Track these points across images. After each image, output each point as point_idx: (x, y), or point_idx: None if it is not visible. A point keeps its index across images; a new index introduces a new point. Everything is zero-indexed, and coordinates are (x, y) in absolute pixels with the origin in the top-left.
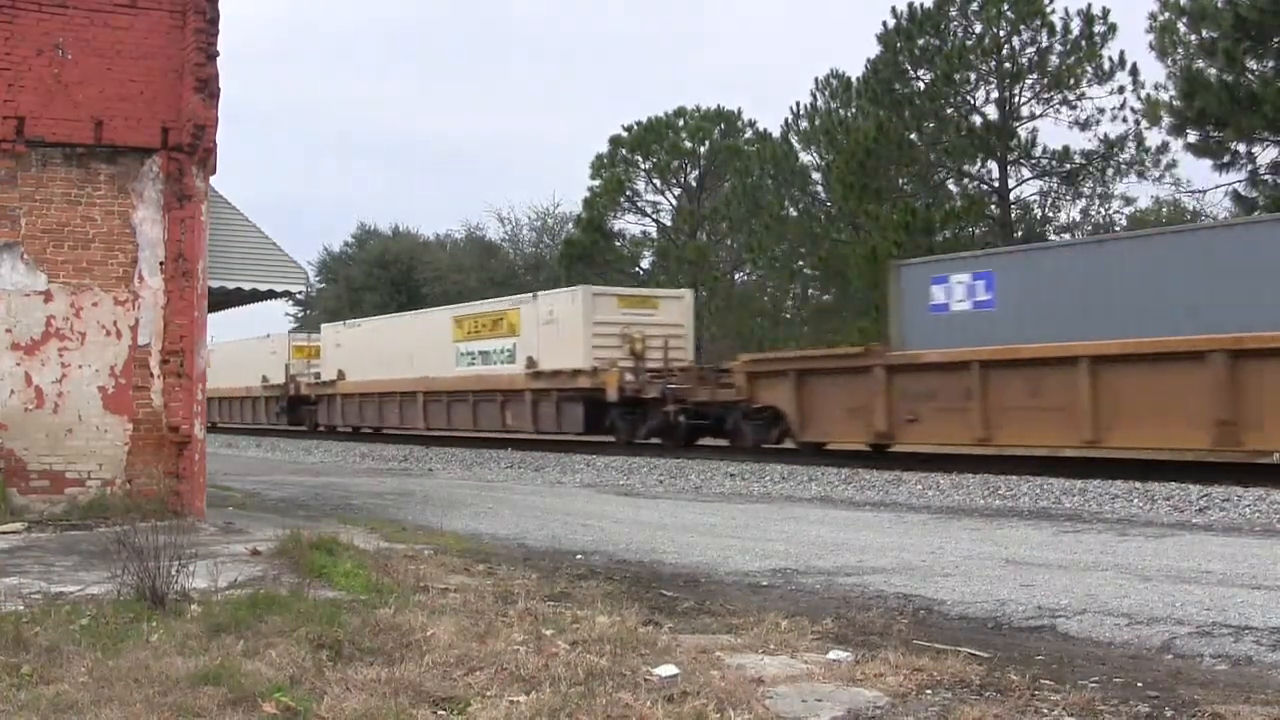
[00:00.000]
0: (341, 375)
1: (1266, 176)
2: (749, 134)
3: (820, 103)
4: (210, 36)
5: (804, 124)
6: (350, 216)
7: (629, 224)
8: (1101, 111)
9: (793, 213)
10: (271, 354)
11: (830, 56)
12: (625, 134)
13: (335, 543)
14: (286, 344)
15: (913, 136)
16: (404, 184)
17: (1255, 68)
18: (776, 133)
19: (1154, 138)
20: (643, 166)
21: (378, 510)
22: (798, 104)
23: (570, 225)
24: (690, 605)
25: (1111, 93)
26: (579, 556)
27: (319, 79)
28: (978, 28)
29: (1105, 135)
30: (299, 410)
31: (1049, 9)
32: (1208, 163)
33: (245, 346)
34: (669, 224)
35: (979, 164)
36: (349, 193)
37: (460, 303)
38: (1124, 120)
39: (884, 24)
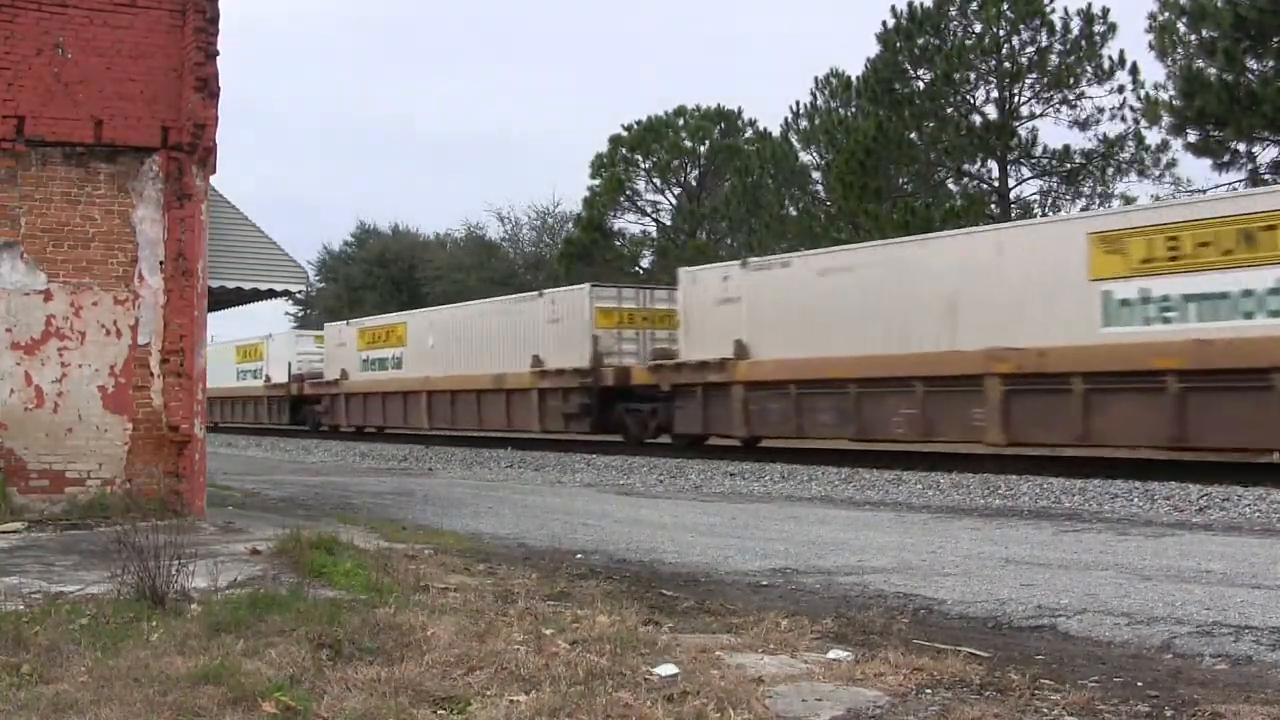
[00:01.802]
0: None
1: (1266, 176)
2: (749, 134)
3: (820, 102)
4: (210, 36)
5: (804, 123)
6: (349, 215)
7: (629, 223)
8: (1101, 111)
9: (793, 212)
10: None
11: (830, 56)
12: (625, 133)
13: (335, 542)
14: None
15: (913, 136)
16: (404, 183)
17: (1255, 67)
18: (776, 132)
19: (1154, 137)
20: (643, 166)
21: (378, 510)
22: (798, 103)
23: (570, 224)
24: (690, 605)
25: (1111, 92)
26: (579, 556)
27: (319, 76)
28: (977, 27)
29: (1105, 135)
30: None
31: (1049, 9)
32: (1207, 162)
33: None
34: (669, 223)
35: (979, 163)
36: (349, 192)
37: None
38: (1124, 120)
39: (884, 24)
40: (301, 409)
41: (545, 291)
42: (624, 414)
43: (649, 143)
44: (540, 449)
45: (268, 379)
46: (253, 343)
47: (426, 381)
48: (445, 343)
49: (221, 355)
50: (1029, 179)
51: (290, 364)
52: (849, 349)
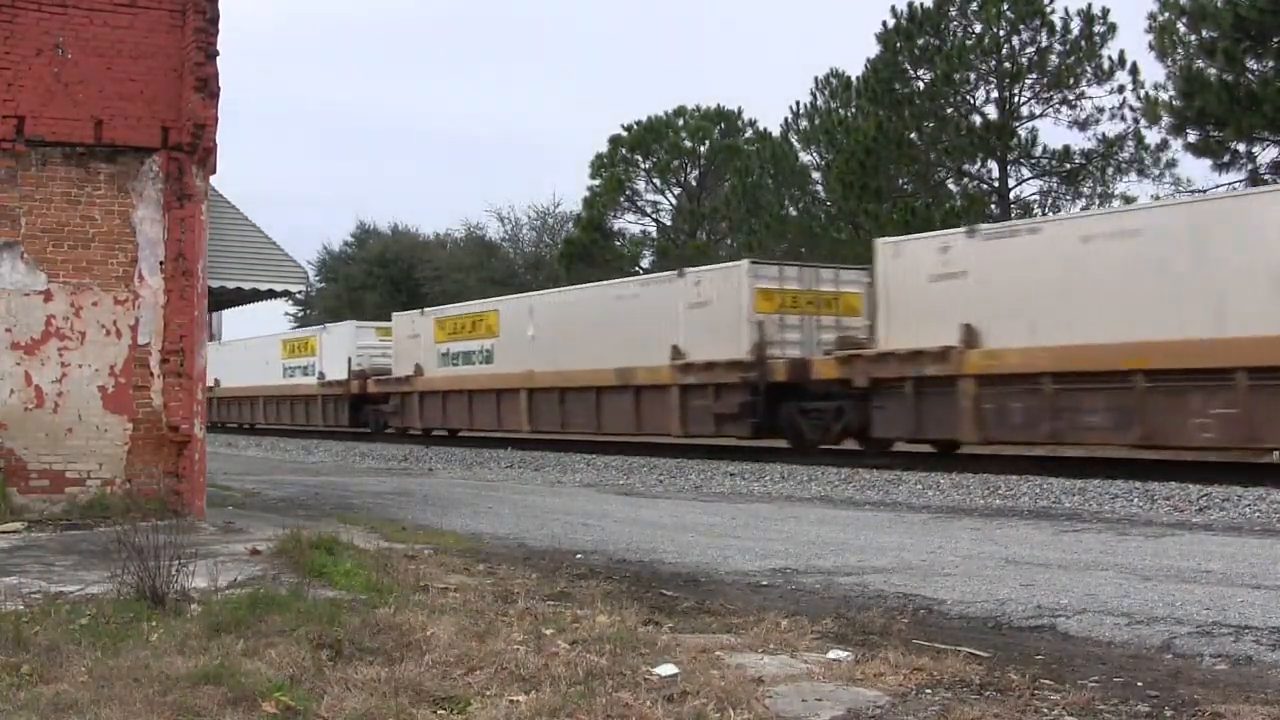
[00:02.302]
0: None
1: (1266, 176)
2: (749, 134)
3: (820, 102)
4: (210, 36)
5: (804, 123)
6: (349, 215)
7: (629, 223)
8: (1101, 111)
9: (793, 212)
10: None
11: (830, 56)
12: (625, 134)
13: (335, 542)
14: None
15: (913, 136)
16: (404, 183)
17: (1255, 68)
18: (776, 132)
19: (1153, 137)
20: (643, 166)
21: (378, 510)
22: (798, 104)
23: (570, 224)
24: (690, 605)
25: (1111, 92)
26: (579, 556)
27: (319, 76)
28: (977, 28)
29: (1105, 135)
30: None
31: (1049, 9)
32: (1207, 162)
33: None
34: (669, 223)
35: (979, 163)
36: (349, 192)
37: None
38: (1124, 120)
39: (884, 24)
40: (362, 409)
41: (687, 271)
42: (796, 415)
43: (649, 143)
44: (541, 449)
45: (322, 376)
46: (303, 336)
47: (527, 377)
48: (550, 332)
49: (265, 351)
50: (1029, 179)
51: (350, 359)
52: (1130, 333)
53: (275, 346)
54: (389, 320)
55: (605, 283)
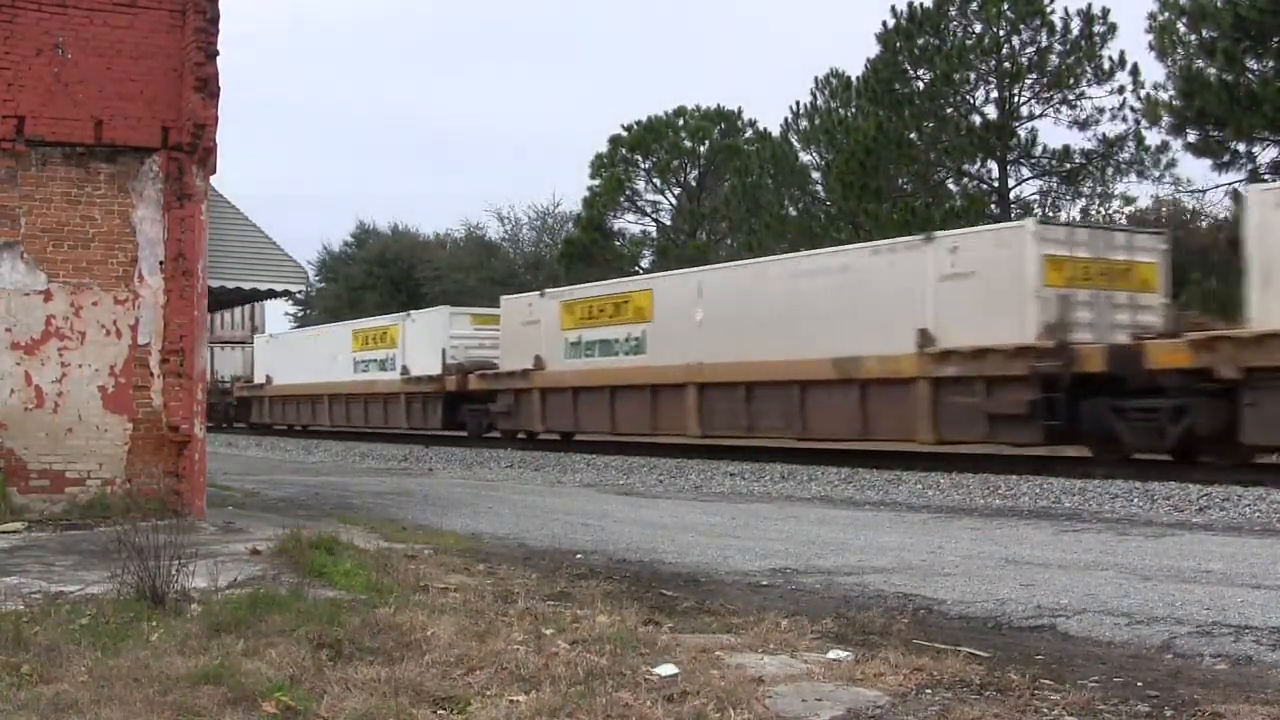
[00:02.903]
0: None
1: (1266, 176)
2: (749, 134)
3: (820, 102)
4: (210, 36)
5: (804, 124)
6: (349, 215)
7: (629, 223)
8: (1101, 111)
9: (793, 212)
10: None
11: (830, 56)
12: (625, 134)
13: (335, 542)
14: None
15: (913, 136)
16: (404, 183)
17: (1255, 68)
18: (776, 132)
19: (1154, 137)
20: (643, 166)
21: (378, 510)
22: (798, 104)
23: (570, 224)
24: (690, 605)
25: (1111, 92)
26: (579, 556)
27: (318, 75)
28: (977, 28)
29: (1105, 135)
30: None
31: (1049, 9)
32: (1208, 162)
33: None
34: (669, 223)
35: (979, 163)
36: (349, 192)
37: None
38: (1124, 120)
39: (884, 24)
40: (459, 409)
41: (936, 235)
42: (1110, 415)
43: (649, 143)
44: (540, 449)
45: (405, 371)
46: (381, 326)
47: (695, 370)
48: (727, 315)
49: (331, 342)
50: (1029, 179)
51: (445, 350)
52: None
53: (344, 337)
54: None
55: (811, 253)
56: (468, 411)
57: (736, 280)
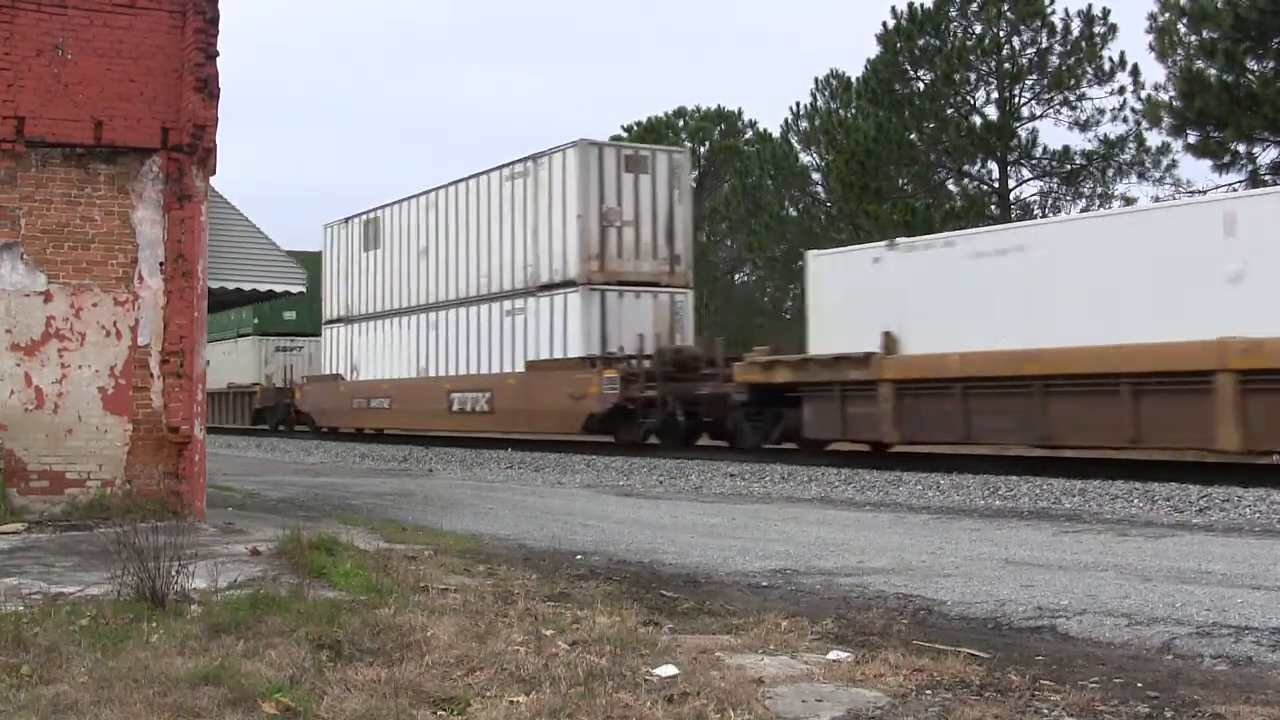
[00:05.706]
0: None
1: (1267, 176)
2: (749, 134)
3: (820, 103)
4: (210, 36)
5: (804, 124)
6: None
7: None
8: (1102, 112)
9: (793, 213)
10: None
11: (830, 57)
12: (625, 134)
13: (335, 543)
14: None
15: (913, 136)
16: (404, 183)
17: (1255, 68)
18: (776, 133)
19: (1154, 138)
20: None
21: (378, 510)
22: (798, 104)
23: None
24: (690, 605)
25: (1112, 93)
26: (579, 557)
27: (319, 76)
28: (978, 28)
29: (1105, 136)
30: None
31: (1049, 9)
32: (1208, 163)
33: None
34: None
35: (979, 164)
36: (349, 191)
37: None
38: (1124, 121)
39: (884, 24)
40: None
41: None
42: None
43: (649, 143)
44: (540, 450)
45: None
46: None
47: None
48: (1081, 284)
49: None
50: (1029, 180)
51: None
52: None
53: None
54: None
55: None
56: (740, 413)
57: (1095, 235)
